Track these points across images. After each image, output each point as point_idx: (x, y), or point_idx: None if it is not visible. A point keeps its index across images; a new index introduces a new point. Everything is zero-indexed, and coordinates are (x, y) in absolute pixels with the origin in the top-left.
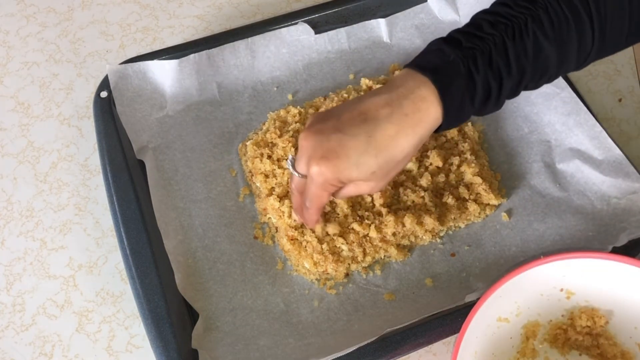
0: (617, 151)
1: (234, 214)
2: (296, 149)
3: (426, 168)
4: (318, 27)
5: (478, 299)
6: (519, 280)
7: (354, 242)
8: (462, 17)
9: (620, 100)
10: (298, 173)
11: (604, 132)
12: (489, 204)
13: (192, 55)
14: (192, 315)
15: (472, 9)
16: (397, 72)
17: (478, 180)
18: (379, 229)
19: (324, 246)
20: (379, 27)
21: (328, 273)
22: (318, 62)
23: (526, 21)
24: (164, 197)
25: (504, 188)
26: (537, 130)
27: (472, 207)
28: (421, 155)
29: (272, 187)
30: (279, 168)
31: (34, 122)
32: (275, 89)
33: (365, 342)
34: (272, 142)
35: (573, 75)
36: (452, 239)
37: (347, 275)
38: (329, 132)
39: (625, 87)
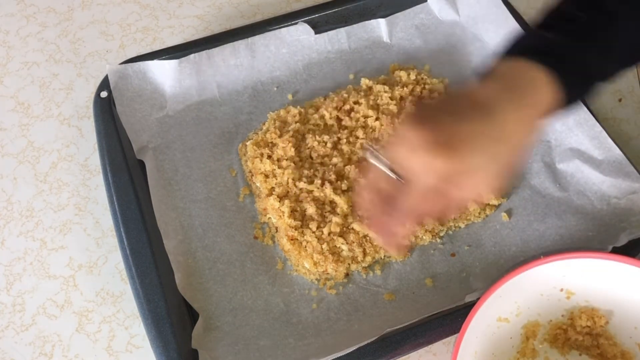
0: (617, 151)
1: (234, 214)
2: (296, 148)
3: None
4: (318, 27)
5: (478, 299)
6: (519, 280)
7: (354, 242)
8: (462, 17)
9: (620, 100)
10: (391, 170)
11: (604, 132)
12: (489, 204)
13: (192, 55)
14: (192, 315)
15: (472, 9)
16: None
17: None
18: None
19: (324, 246)
20: (379, 27)
21: (328, 273)
22: (318, 62)
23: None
24: (164, 197)
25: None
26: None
27: (472, 207)
28: None
29: (272, 187)
30: (279, 168)
31: (34, 122)
32: (275, 89)
33: (365, 342)
34: (272, 142)
35: None
36: (452, 239)
37: (347, 275)
38: (444, 119)
39: (625, 87)
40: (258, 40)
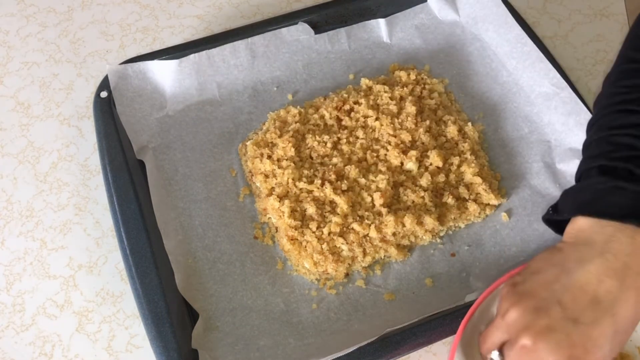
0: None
1: (234, 214)
2: (296, 148)
3: (426, 168)
4: (318, 27)
5: (475, 299)
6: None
7: (354, 242)
8: (462, 17)
9: None
10: None
11: None
12: (489, 204)
13: (192, 55)
14: (192, 315)
15: (472, 9)
16: (577, 225)
17: (478, 180)
18: (379, 229)
19: (324, 246)
20: (379, 27)
21: (328, 273)
22: (318, 62)
23: None
24: (164, 197)
25: (504, 188)
26: (537, 130)
27: (472, 207)
28: (421, 155)
29: (272, 187)
30: (279, 168)
31: (34, 122)
32: (275, 89)
33: (365, 342)
34: (272, 142)
35: (573, 75)
36: (452, 239)
37: (347, 275)
38: (564, 326)
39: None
40: (258, 40)
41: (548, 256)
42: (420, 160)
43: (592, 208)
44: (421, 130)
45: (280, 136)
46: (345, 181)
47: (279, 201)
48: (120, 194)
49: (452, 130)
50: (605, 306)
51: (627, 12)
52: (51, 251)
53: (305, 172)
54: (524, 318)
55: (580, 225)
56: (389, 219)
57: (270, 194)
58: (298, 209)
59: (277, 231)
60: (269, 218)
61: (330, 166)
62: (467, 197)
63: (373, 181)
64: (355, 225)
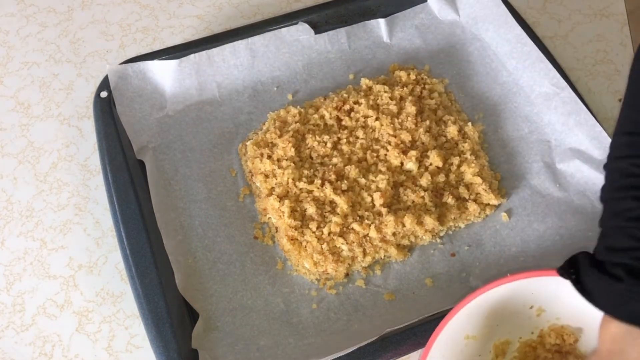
0: None
1: (234, 214)
2: (296, 148)
3: (426, 168)
4: (318, 27)
5: (444, 316)
6: (487, 298)
7: (354, 242)
8: (462, 17)
9: (620, 100)
10: None
11: (604, 132)
12: (489, 204)
13: (192, 55)
14: (192, 315)
15: (472, 9)
16: (611, 333)
17: (478, 180)
18: (379, 229)
19: (324, 246)
20: (379, 27)
21: (328, 273)
22: (318, 62)
23: None
24: (164, 197)
25: (504, 188)
26: (537, 130)
27: (472, 207)
28: (421, 155)
29: (272, 187)
30: (279, 168)
31: (34, 122)
32: (275, 89)
33: (365, 342)
34: (272, 142)
35: (573, 75)
36: (452, 239)
37: (347, 275)
38: None
39: (625, 87)
40: (258, 40)
41: None
42: (420, 160)
43: (623, 313)
44: (421, 130)
45: (280, 136)
46: (345, 181)
47: (279, 201)
48: (120, 194)
49: (452, 130)
50: None
51: (627, 12)
52: (51, 251)
53: (305, 172)
54: None
55: (612, 335)
56: (389, 219)
57: (270, 194)
58: (298, 209)
59: (277, 231)
60: (269, 218)
61: (330, 166)
62: (467, 197)
63: (373, 181)
64: (355, 225)
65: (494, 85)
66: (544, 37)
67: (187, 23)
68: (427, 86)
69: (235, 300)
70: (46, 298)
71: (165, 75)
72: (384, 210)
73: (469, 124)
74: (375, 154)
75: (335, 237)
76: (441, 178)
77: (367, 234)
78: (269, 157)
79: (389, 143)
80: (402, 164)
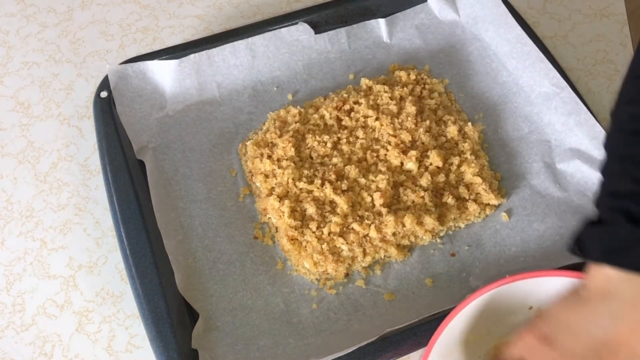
0: None
1: (234, 214)
2: (296, 148)
3: (426, 168)
4: (318, 27)
5: (444, 318)
6: (487, 298)
7: (354, 242)
8: (462, 17)
9: None
10: None
11: (604, 132)
12: (489, 204)
13: (192, 55)
14: (192, 315)
15: (472, 9)
16: (604, 275)
17: (478, 180)
18: (379, 229)
19: (324, 246)
20: (379, 27)
21: (328, 273)
22: (318, 62)
23: None
24: (164, 197)
25: (504, 188)
26: (537, 130)
27: (472, 207)
28: (421, 155)
29: (272, 187)
30: (279, 168)
31: (34, 122)
32: (275, 89)
33: (365, 342)
34: (272, 142)
35: (573, 75)
36: (452, 239)
37: (347, 275)
38: None
39: None
40: (258, 40)
41: (577, 308)
42: (420, 160)
43: (620, 259)
44: (421, 130)
45: (280, 136)
46: (345, 181)
47: (279, 201)
48: (120, 194)
49: (452, 130)
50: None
51: (627, 12)
52: (51, 251)
53: (305, 172)
54: None
55: (607, 275)
56: (389, 219)
57: (270, 194)
58: (298, 209)
59: (277, 231)
60: (269, 218)
61: (330, 166)
62: (467, 197)
63: (373, 181)
64: (355, 225)
65: (494, 85)
66: (544, 37)
67: (187, 23)
68: (427, 86)
69: (235, 300)
70: (46, 298)
71: (165, 75)
72: (384, 210)
73: (469, 124)
74: (375, 154)
75: (335, 237)
76: (441, 178)
77: (367, 234)
78: (269, 157)
79: (389, 143)
80: (402, 164)
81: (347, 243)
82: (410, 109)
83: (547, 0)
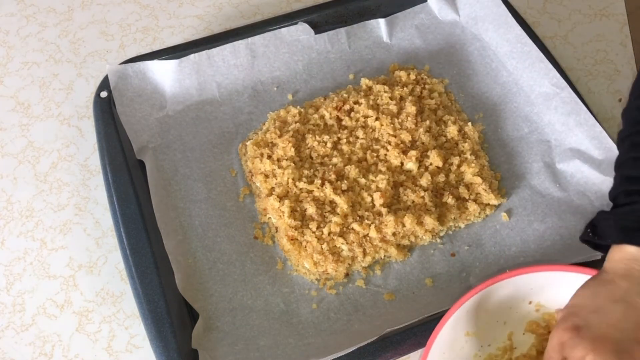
0: (617, 151)
1: (234, 214)
2: (296, 148)
3: (426, 168)
4: (318, 27)
5: (444, 313)
6: (487, 294)
7: (354, 242)
8: (462, 17)
9: (620, 100)
10: None
11: (604, 132)
12: (489, 204)
13: (192, 55)
14: (192, 315)
15: (472, 9)
16: (626, 255)
17: (478, 180)
18: (379, 229)
19: (324, 246)
20: (379, 27)
21: (328, 273)
22: (318, 62)
23: None
24: (164, 197)
25: (504, 188)
26: (537, 130)
27: (472, 207)
28: (421, 155)
29: (272, 187)
30: (279, 168)
31: (34, 122)
32: (275, 89)
33: (365, 342)
34: (272, 142)
35: (573, 75)
36: (452, 239)
37: (347, 275)
38: None
39: (625, 87)
40: (258, 40)
41: (601, 291)
42: (420, 160)
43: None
44: (421, 130)
45: (280, 136)
46: (345, 181)
47: (279, 201)
48: (120, 194)
49: (452, 130)
50: None
51: (627, 12)
52: (51, 251)
53: (305, 172)
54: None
55: (631, 254)
56: (389, 219)
57: (270, 194)
58: (298, 209)
59: (277, 231)
60: (269, 218)
61: (330, 166)
62: (467, 197)
63: (373, 181)
64: (355, 225)
65: (494, 85)
66: (544, 37)
67: (187, 23)
68: (427, 86)
69: (235, 300)
70: (46, 298)
71: (165, 75)
72: (384, 210)
73: (469, 124)
74: (375, 154)
75: (335, 237)
76: (441, 178)
77: (367, 234)
78: (269, 157)
79: (389, 143)
80: (402, 164)
81: (347, 243)
82: (410, 109)
83: (547, 0)
